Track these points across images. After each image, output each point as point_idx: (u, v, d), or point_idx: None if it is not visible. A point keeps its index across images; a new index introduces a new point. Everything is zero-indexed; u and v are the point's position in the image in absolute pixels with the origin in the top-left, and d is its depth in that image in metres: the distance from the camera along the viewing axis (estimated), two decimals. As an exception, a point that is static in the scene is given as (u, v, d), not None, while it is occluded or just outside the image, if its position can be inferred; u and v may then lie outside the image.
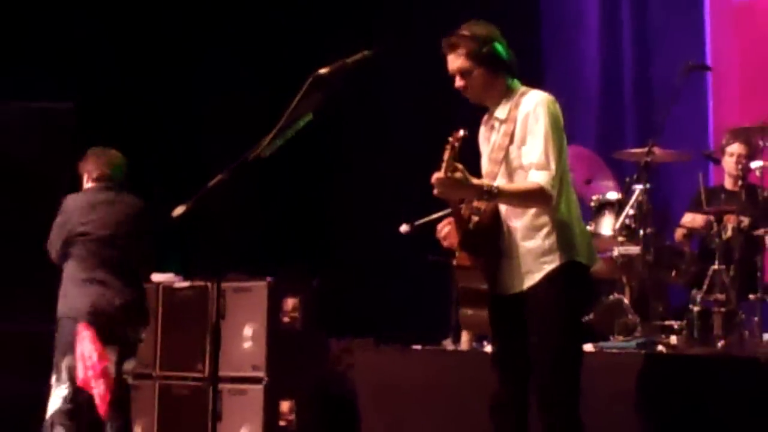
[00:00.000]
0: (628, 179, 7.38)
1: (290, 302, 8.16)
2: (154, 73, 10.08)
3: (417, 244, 7.62)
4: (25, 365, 8.57)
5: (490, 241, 4.79)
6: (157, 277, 8.80)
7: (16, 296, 8.92)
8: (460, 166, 4.65)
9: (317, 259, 9.58)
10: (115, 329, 6.85)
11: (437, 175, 4.62)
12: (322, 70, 4.38)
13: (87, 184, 7.22)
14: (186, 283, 8.56)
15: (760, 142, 7.41)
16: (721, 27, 9.51)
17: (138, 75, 10.03)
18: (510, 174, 4.82)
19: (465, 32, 4.86)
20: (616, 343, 7.01)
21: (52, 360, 6.88)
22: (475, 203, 4.78)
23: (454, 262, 4.84)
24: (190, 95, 10.16)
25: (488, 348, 7.21)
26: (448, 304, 7.64)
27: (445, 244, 4.94)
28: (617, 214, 7.40)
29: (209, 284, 8.22)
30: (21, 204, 9.15)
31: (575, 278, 4.84)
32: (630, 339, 7.04)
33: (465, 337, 7.55)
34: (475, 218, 4.77)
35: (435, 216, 7.64)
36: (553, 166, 4.72)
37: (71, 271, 6.94)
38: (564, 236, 4.80)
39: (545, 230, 4.79)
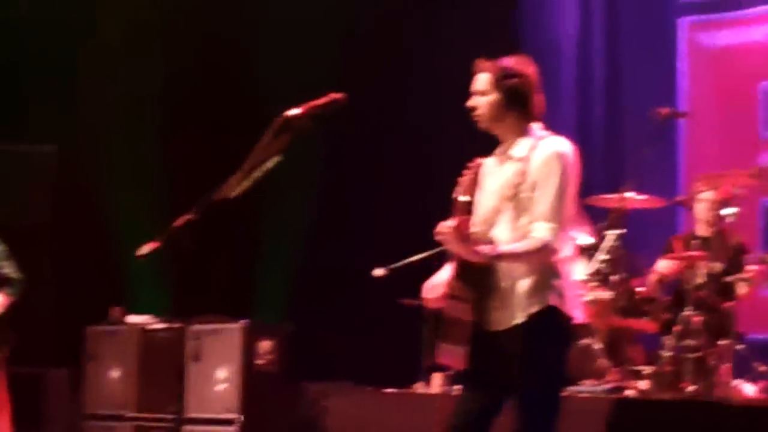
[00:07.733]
0: (599, 225, 7.43)
1: (265, 345, 8.17)
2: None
3: (389, 288, 7.66)
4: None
5: (484, 277, 4.83)
6: (133, 318, 8.82)
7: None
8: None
9: (291, 303, 9.59)
10: None
11: (447, 227, 4.70)
12: (290, 112, 4.39)
13: None
14: (162, 325, 8.57)
15: (732, 189, 7.47)
16: (696, 72, 9.61)
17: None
18: (518, 210, 4.84)
19: (500, 62, 4.90)
20: (587, 387, 7.03)
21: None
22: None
23: (448, 291, 4.85)
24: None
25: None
26: (419, 347, 7.63)
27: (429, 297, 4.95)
28: (590, 259, 7.45)
29: (185, 326, 8.24)
30: None
31: (559, 324, 4.86)
32: (600, 384, 7.07)
33: (436, 380, 7.57)
34: None
35: (408, 260, 7.69)
36: (559, 219, 4.77)
37: None
38: (553, 281, 4.83)
39: (537, 273, 4.82)
